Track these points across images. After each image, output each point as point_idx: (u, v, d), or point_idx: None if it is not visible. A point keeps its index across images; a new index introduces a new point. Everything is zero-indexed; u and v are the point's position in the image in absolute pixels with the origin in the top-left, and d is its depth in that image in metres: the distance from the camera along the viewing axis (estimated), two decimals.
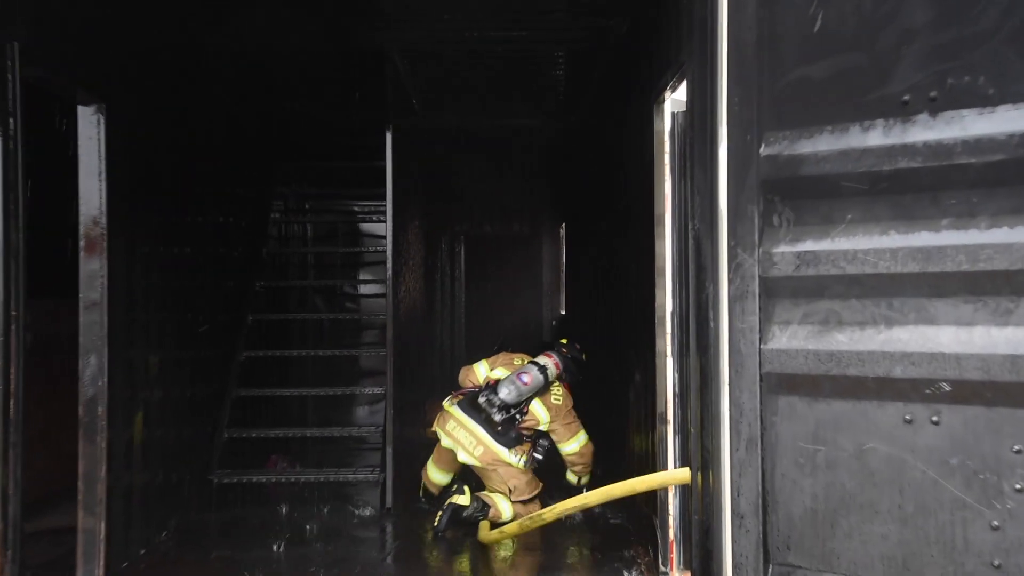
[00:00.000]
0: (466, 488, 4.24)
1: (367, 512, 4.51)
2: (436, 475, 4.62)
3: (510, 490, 4.27)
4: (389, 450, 4.54)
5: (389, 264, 4.82)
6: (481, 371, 4.63)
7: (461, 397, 4.46)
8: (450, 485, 4.45)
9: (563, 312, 8.24)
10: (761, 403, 1.96)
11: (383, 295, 5.25)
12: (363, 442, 6.69)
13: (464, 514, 4.14)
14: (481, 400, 4.33)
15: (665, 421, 3.30)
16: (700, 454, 2.29)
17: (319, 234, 7.37)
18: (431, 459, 4.65)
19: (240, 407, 4.87)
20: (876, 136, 1.78)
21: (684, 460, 3.13)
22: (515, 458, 4.27)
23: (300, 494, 4.83)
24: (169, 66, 3.94)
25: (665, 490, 3.24)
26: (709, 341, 2.15)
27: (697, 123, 2.28)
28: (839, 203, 1.87)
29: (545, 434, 4.41)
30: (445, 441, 4.38)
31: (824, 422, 1.88)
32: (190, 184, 4.24)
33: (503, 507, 4.23)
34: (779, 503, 1.95)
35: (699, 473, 2.31)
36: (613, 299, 4.68)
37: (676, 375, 3.22)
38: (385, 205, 4.83)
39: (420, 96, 5.50)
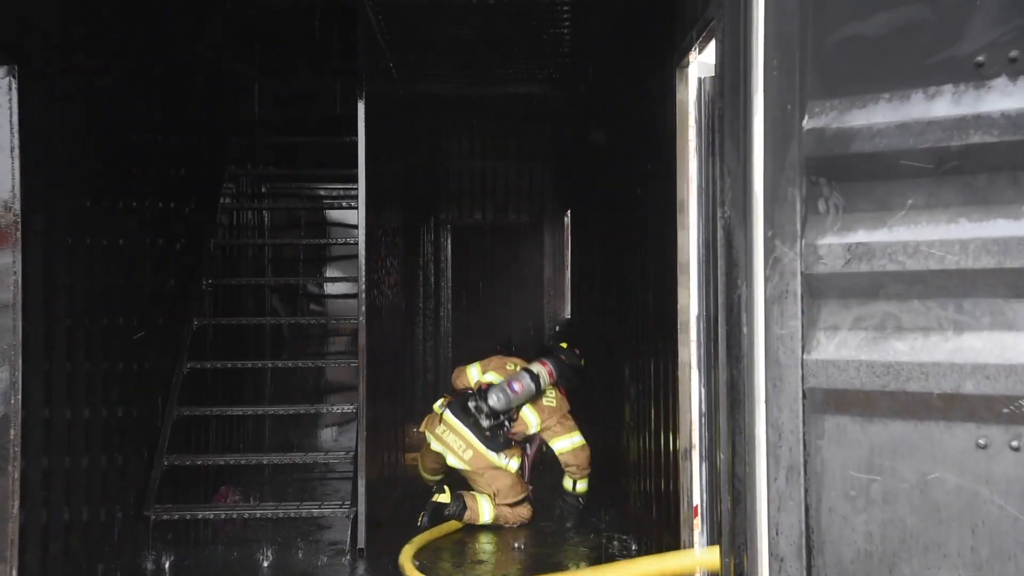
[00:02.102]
0: (446, 487, 5.05)
1: (336, 555, 4.50)
2: (426, 475, 5.50)
3: (495, 493, 4.96)
4: (362, 480, 4.53)
5: (362, 259, 4.80)
6: (473, 374, 5.33)
7: (451, 400, 5.16)
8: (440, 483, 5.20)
9: (568, 315, 8.24)
10: (804, 424, 1.95)
11: (355, 295, 5.23)
12: (331, 470, 6.68)
13: (445, 512, 4.92)
14: (470, 405, 5.02)
15: (689, 445, 3.29)
16: (731, 485, 2.27)
17: (278, 223, 7.36)
18: (419, 463, 5.56)
19: (183, 429, 4.84)
20: (943, 105, 1.76)
21: (712, 493, 3.12)
22: (505, 460, 4.99)
23: (255, 533, 4.81)
24: (99, 22, 3.91)
25: (690, 525, 3.23)
26: (742, 350, 2.14)
27: (728, 90, 2.26)
28: (898, 186, 1.85)
29: (534, 438, 5.13)
30: (434, 445, 5.10)
31: (880, 447, 1.86)
32: (123, 163, 4.21)
33: (484, 509, 4.96)
34: (826, 544, 1.93)
35: (730, 508, 2.29)
36: (627, 300, 4.69)
37: (702, 390, 3.21)
38: (357, 189, 4.81)
39: (398, 59, 5.48)
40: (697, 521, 3.26)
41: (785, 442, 2.00)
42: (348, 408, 4.97)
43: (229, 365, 5.36)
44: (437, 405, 5.25)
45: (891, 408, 1.87)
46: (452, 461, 5.02)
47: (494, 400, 4.96)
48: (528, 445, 5.19)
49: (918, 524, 1.81)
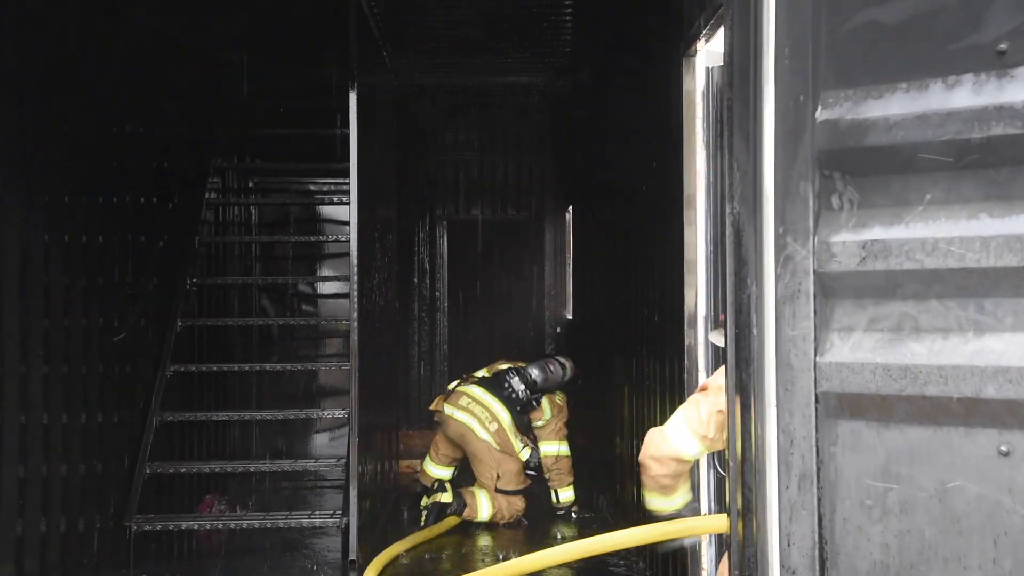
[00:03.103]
0: (448, 486, 5.52)
1: (327, 567, 4.49)
2: (435, 470, 5.68)
3: (497, 476, 5.35)
4: (354, 489, 4.53)
5: (354, 257, 4.79)
6: (479, 373, 5.75)
7: (475, 379, 5.63)
8: (441, 482, 5.60)
9: (570, 316, 8.23)
10: (817, 430, 1.94)
11: (346, 295, 5.23)
12: (321, 479, 6.67)
13: (448, 511, 5.35)
14: (509, 377, 5.52)
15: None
16: (740, 494, 2.27)
17: (266, 219, 7.35)
18: (429, 455, 5.75)
19: (166, 435, 4.84)
20: (964, 95, 1.76)
21: (721, 502, 3.11)
22: (520, 446, 5.45)
23: (242, 544, 4.81)
24: (75, 4, 3.90)
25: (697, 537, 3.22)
26: (751, 352, 2.13)
27: (737, 80, 2.25)
28: (916, 180, 1.84)
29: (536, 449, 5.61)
30: (459, 415, 5.44)
31: (897, 454, 1.86)
32: (103, 156, 4.20)
33: (482, 506, 5.39)
34: (840, 555, 1.93)
35: (739, 518, 2.28)
36: (632, 300, 4.68)
37: None
38: (349, 184, 4.80)
39: (392, 47, 5.47)
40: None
41: (797, 449, 2.00)
42: (340, 413, 4.97)
43: (215, 368, 5.36)
44: (454, 384, 5.72)
45: (908, 413, 1.86)
46: (478, 430, 5.38)
47: (535, 373, 5.55)
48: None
49: (937, 535, 1.81)
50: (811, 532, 1.96)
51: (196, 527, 4.70)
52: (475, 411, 5.42)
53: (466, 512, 5.36)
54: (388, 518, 5.32)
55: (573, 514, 5.61)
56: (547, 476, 5.64)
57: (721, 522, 2.54)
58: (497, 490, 5.36)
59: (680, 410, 2.67)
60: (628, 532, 2.71)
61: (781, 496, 2.00)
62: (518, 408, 5.44)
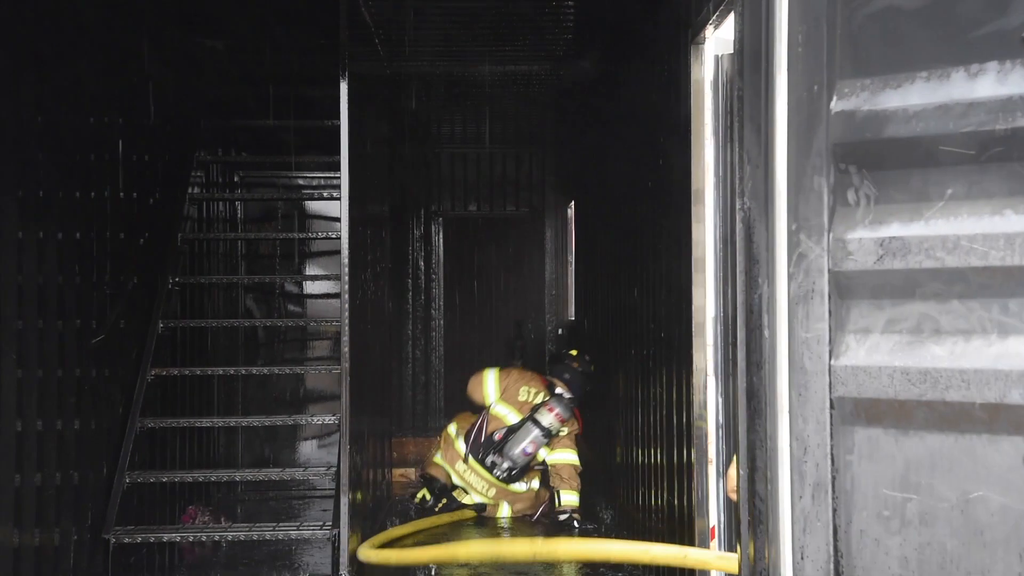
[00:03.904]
0: (464, 502, 5.86)
1: None
2: (445, 469, 5.98)
3: (514, 507, 5.87)
4: (344, 498, 4.52)
5: (345, 255, 4.79)
6: (489, 391, 5.96)
7: (469, 438, 5.87)
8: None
9: (571, 318, 8.23)
10: (832, 437, 1.94)
11: (337, 295, 5.22)
12: (310, 488, 6.67)
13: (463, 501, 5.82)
14: (487, 462, 5.77)
15: (705, 460, 3.28)
16: (752, 504, 2.27)
17: (252, 215, 7.35)
18: (439, 454, 6.02)
19: (147, 443, 4.83)
20: (988, 84, 1.75)
21: (730, 512, 3.11)
22: (526, 486, 5.88)
23: (227, 557, 4.80)
24: None
25: (706, 547, 3.22)
26: (763, 355, 2.13)
27: (748, 69, 2.25)
28: (936, 174, 1.84)
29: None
30: (456, 481, 5.87)
31: (916, 462, 1.85)
32: (78, 147, 4.19)
33: (502, 511, 5.86)
34: (857, 569, 1.92)
35: (750, 530, 2.28)
36: (637, 300, 4.68)
37: (719, 399, 3.20)
38: (340, 177, 4.80)
39: (385, 34, 5.47)
40: (714, 544, 3.26)
41: (811, 457, 2.00)
42: (330, 419, 4.96)
43: (198, 372, 5.35)
44: (452, 430, 6.00)
45: (928, 419, 1.86)
46: (475, 498, 5.84)
47: (508, 464, 5.75)
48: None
49: (959, 548, 1.80)
50: (826, 545, 1.96)
51: (178, 539, 4.69)
52: (471, 480, 5.84)
53: (487, 510, 5.84)
54: (381, 530, 5.31)
55: (575, 523, 5.68)
56: (552, 477, 5.84)
57: (729, 563, 2.54)
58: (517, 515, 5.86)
59: None
60: (631, 547, 2.72)
61: (794, 507, 2.00)
62: (515, 472, 5.77)
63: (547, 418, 5.71)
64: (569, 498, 5.73)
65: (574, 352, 6.19)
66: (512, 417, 5.82)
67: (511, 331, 8.38)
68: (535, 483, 5.90)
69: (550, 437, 5.74)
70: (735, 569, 2.43)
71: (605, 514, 5.76)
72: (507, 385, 5.92)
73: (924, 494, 1.84)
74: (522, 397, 5.86)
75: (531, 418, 5.74)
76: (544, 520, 5.79)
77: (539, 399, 5.84)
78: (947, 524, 1.82)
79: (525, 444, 5.71)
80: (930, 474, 1.85)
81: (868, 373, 1.90)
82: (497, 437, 5.77)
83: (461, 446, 5.88)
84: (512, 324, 8.46)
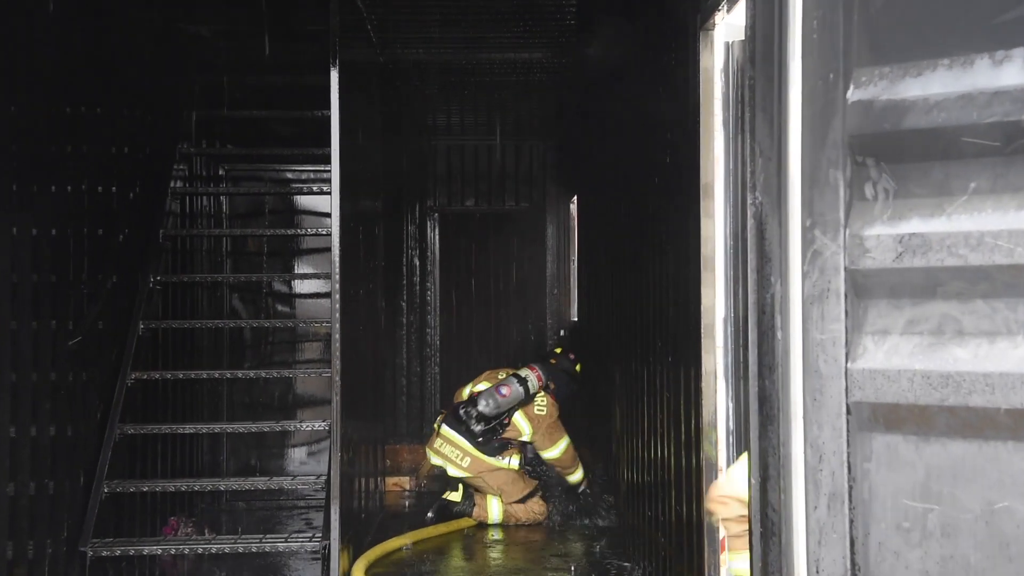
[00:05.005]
0: (460, 486, 6.02)
1: None
2: (454, 471, 6.11)
3: (500, 493, 5.91)
4: (335, 509, 4.52)
5: (336, 252, 4.79)
6: (467, 390, 6.23)
7: (446, 414, 6.13)
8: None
9: (574, 318, 8.23)
10: (848, 444, 1.94)
11: (327, 295, 5.23)
12: (299, 498, 6.67)
13: (454, 509, 5.93)
14: (461, 412, 5.97)
15: (714, 468, 3.28)
16: (764, 515, 2.27)
17: (239, 211, 7.35)
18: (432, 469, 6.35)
19: (127, 450, 4.84)
20: (1014, 72, 1.75)
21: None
22: (505, 460, 5.96)
23: (211, 571, 4.80)
24: None
25: (715, 560, 3.22)
26: (775, 358, 2.13)
27: (760, 57, 2.25)
28: (959, 167, 1.84)
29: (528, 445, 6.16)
30: (434, 459, 6.02)
31: (938, 471, 1.85)
32: (55, 139, 4.19)
33: (492, 508, 5.94)
34: None
35: (761, 542, 2.28)
36: (643, 300, 4.68)
37: (730, 404, 3.19)
38: (329, 171, 4.80)
39: (377, 19, 5.46)
40: (724, 556, 3.25)
41: (826, 465, 1.99)
42: (319, 425, 4.96)
43: (181, 376, 5.36)
44: (436, 422, 6.24)
45: (951, 425, 1.86)
46: (452, 471, 5.93)
47: (483, 405, 5.91)
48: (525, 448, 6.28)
49: (983, 561, 1.80)
50: (842, 558, 1.96)
51: (159, 552, 4.69)
52: (445, 451, 5.98)
53: (476, 512, 5.94)
54: (373, 542, 5.31)
55: (583, 494, 6.18)
56: (558, 470, 6.25)
57: None
58: (507, 503, 5.94)
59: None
60: None
61: (809, 518, 1.99)
62: (479, 440, 5.93)
63: (526, 372, 6.11)
64: (576, 478, 6.24)
65: (558, 350, 6.79)
66: (483, 385, 6.16)
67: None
68: (514, 461, 5.99)
69: (527, 393, 5.99)
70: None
71: (605, 522, 5.79)
72: (480, 379, 6.30)
73: (946, 504, 1.84)
74: (499, 376, 6.24)
75: (511, 375, 6.11)
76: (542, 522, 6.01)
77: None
78: (971, 536, 1.82)
79: (500, 387, 5.96)
80: (952, 483, 1.84)
81: (887, 377, 1.90)
82: (473, 396, 6.06)
83: (437, 423, 6.19)
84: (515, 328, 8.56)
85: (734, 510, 2.78)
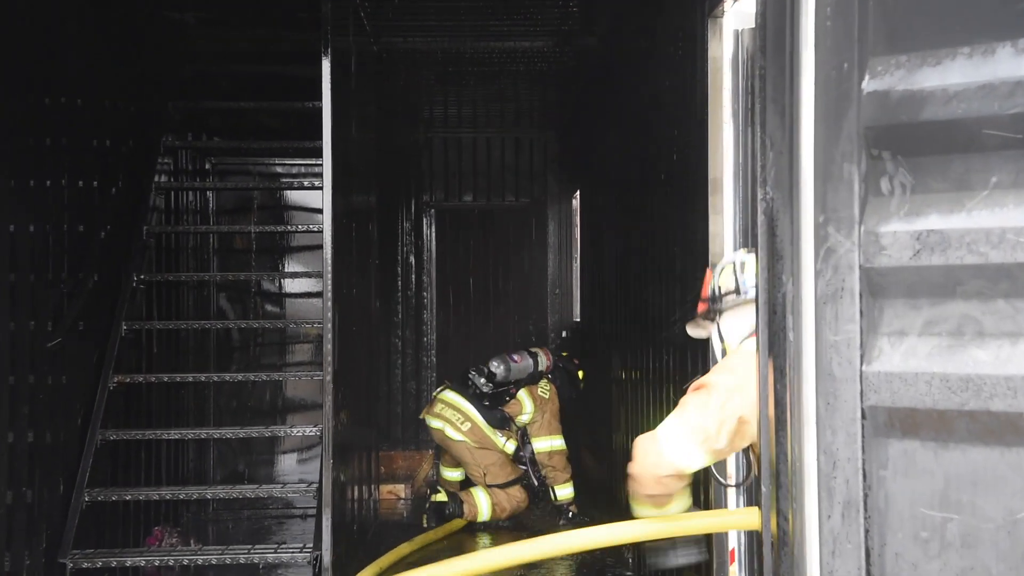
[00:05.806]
0: (439, 487, 6.36)
1: None
2: (450, 473, 6.47)
3: (484, 473, 6.11)
4: (327, 519, 4.52)
5: (328, 250, 4.79)
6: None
7: (447, 384, 6.42)
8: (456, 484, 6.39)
9: (576, 319, 8.23)
10: (863, 450, 1.94)
11: (318, 294, 5.22)
12: (289, 507, 6.68)
13: (446, 511, 6.14)
14: (471, 373, 6.25)
15: (723, 474, 3.28)
16: (775, 523, 2.27)
17: (226, 206, 7.35)
18: (442, 460, 6.56)
19: (109, 457, 4.84)
20: None
21: (751, 533, 3.11)
22: (502, 439, 6.20)
23: None
24: None
25: (724, 572, 3.22)
26: (787, 360, 2.13)
27: (771, 45, 2.25)
28: (979, 160, 1.84)
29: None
30: (434, 422, 6.20)
31: (958, 479, 1.85)
32: (32, 130, 4.19)
33: (481, 504, 6.16)
34: None
35: (773, 552, 2.28)
36: (649, 299, 4.68)
37: None
38: (321, 165, 4.80)
39: (371, 6, 5.46)
40: (734, 568, 3.25)
41: (840, 472, 1.99)
42: (311, 430, 4.96)
43: (166, 379, 5.35)
44: (437, 391, 6.47)
45: (971, 431, 1.86)
46: (451, 433, 6.11)
47: (495, 365, 6.15)
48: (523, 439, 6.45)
49: (1006, 573, 1.80)
50: (857, 569, 1.96)
51: (143, 564, 4.69)
52: (446, 415, 6.16)
53: (467, 512, 6.14)
54: (367, 552, 5.32)
55: (571, 512, 6.23)
56: (543, 473, 6.36)
57: (752, 517, 2.54)
58: (488, 486, 6.13)
59: (676, 416, 2.62)
60: (631, 525, 2.70)
61: (822, 527, 1.99)
62: (485, 403, 6.16)
63: (536, 349, 6.47)
64: (565, 492, 6.31)
65: (564, 354, 6.99)
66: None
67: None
68: (510, 445, 6.21)
69: (535, 369, 6.29)
70: (756, 524, 2.40)
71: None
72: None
73: (966, 513, 1.84)
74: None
75: (523, 350, 6.43)
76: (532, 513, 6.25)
77: None
78: (992, 547, 1.82)
79: (513, 354, 6.25)
80: (973, 491, 1.84)
81: (903, 380, 1.90)
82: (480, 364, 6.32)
83: (438, 391, 6.44)
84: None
85: (670, 487, 2.60)
